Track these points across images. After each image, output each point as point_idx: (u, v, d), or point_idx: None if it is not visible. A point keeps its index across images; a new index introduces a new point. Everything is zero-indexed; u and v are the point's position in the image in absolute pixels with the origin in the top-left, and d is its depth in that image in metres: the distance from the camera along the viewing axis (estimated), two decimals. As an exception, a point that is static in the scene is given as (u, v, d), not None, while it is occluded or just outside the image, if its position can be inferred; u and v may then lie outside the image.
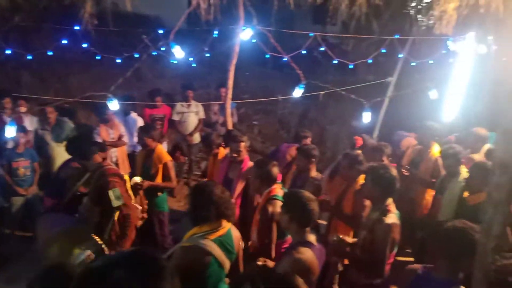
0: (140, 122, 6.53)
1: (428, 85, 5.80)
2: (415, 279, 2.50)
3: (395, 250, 3.05)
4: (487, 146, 4.93)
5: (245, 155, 4.53)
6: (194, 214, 2.71)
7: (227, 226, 2.73)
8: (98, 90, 4.99)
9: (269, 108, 11.01)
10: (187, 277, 2.37)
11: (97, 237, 3.44)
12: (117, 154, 6.16)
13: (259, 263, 2.91)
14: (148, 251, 1.20)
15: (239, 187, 4.44)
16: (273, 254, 3.29)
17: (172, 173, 4.82)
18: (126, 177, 3.97)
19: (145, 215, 4.36)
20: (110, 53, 6.01)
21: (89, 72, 9.77)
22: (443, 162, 4.56)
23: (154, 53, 5.51)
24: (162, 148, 4.99)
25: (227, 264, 2.68)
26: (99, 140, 6.16)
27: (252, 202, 4.28)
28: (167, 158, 4.80)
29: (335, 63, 6.98)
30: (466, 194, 4.01)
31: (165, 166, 4.75)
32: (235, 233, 2.81)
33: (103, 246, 3.39)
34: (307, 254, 2.58)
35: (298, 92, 5.52)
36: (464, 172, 4.25)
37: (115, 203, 3.61)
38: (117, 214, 3.66)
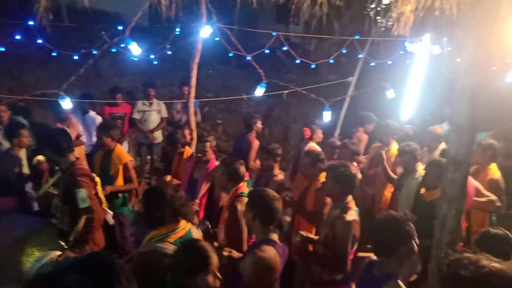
0: (99, 120, 6.33)
1: (385, 84, 6.00)
2: (363, 272, 2.54)
3: (355, 246, 3.12)
4: (443, 145, 5.10)
5: (211, 155, 4.50)
6: (149, 217, 2.65)
7: (186, 227, 2.67)
8: (55, 87, 4.79)
9: (233, 107, 10.99)
10: (148, 283, 2.33)
11: (61, 241, 3.30)
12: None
13: (224, 253, 2.90)
14: (103, 254, 1.16)
15: (204, 187, 4.40)
16: (246, 249, 3.27)
17: (133, 174, 4.69)
18: (97, 178, 3.81)
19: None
20: (67, 49, 5.79)
21: (45, 69, 9.38)
22: (399, 159, 4.70)
23: (113, 50, 5.35)
24: (122, 148, 4.86)
25: None
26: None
27: (217, 203, 4.26)
28: (127, 159, 4.66)
29: (298, 63, 7.06)
30: (423, 190, 4.15)
31: (125, 166, 4.62)
32: (196, 234, 2.76)
33: (67, 250, 3.25)
34: (270, 252, 2.58)
35: (259, 91, 5.58)
36: (420, 169, 4.40)
37: (81, 204, 3.45)
38: (84, 217, 3.49)
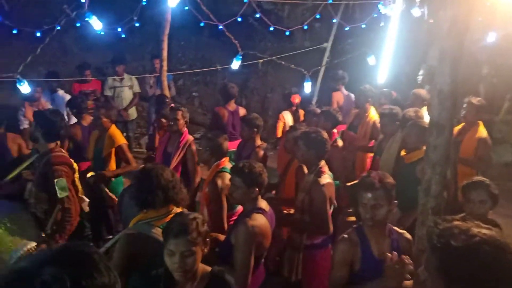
0: (68, 99, 6.11)
1: (365, 50, 5.91)
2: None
3: (332, 209, 3.20)
4: (426, 108, 5.07)
5: (183, 126, 4.39)
6: (140, 199, 2.55)
7: (177, 211, 2.54)
8: (19, 67, 4.53)
9: (208, 79, 10.77)
10: (133, 266, 2.27)
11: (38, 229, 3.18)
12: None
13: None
14: (80, 245, 1.10)
15: (175, 161, 4.31)
16: (225, 226, 3.26)
17: (129, 155, 4.48)
18: (75, 165, 3.66)
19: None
20: (28, 26, 5.45)
21: (7, 48, 8.89)
22: (380, 121, 4.70)
23: (77, 25, 5.08)
24: (117, 130, 4.58)
25: None
26: (25, 121, 5.69)
27: (193, 177, 4.23)
28: (122, 141, 4.45)
29: (272, 30, 6.90)
30: (403, 152, 4.17)
31: (119, 149, 4.41)
32: None
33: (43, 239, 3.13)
34: (260, 220, 2.61)
35: (235, 64, 5.41)
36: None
37: (60, 194, 3.32)
38: (59, 208, 3.37)
